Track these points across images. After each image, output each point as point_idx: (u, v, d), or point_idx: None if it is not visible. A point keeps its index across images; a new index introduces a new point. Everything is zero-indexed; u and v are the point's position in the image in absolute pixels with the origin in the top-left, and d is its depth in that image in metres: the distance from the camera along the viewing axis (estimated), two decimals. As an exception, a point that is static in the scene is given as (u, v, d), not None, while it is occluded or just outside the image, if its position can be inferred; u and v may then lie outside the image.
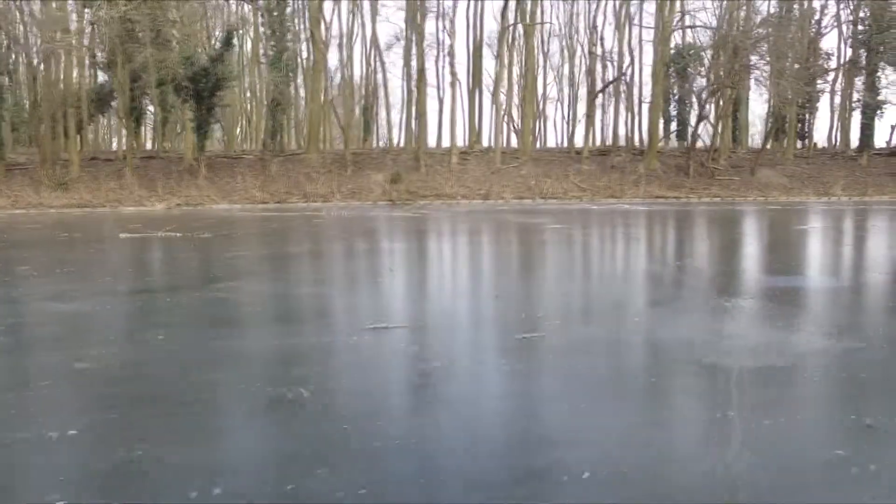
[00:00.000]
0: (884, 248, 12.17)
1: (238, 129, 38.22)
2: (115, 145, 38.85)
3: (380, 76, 37.87)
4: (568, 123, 40.48)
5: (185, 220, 18.65)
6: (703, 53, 30.83)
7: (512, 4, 31.51)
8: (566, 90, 39.31)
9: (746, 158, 35.39)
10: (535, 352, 4.71)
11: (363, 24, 38.00)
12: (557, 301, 6.85)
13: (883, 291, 7.39)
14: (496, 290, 7.62)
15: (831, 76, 39.32)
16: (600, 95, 34.74)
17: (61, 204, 25.46)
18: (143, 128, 34.60)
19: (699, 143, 34.27)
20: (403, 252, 11.73)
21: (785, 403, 3.54)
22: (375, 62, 36.61)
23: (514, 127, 38.00)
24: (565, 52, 36.75)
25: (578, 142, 36.76)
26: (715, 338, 5.00)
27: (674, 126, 36.33)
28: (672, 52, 32.61)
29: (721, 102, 32.29)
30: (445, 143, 35.49)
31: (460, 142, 34.56)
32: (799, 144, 40.06)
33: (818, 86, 38.55)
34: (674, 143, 37.56)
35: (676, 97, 33.73)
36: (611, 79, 33.69)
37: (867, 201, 28.83)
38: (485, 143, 36.14)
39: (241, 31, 28.43)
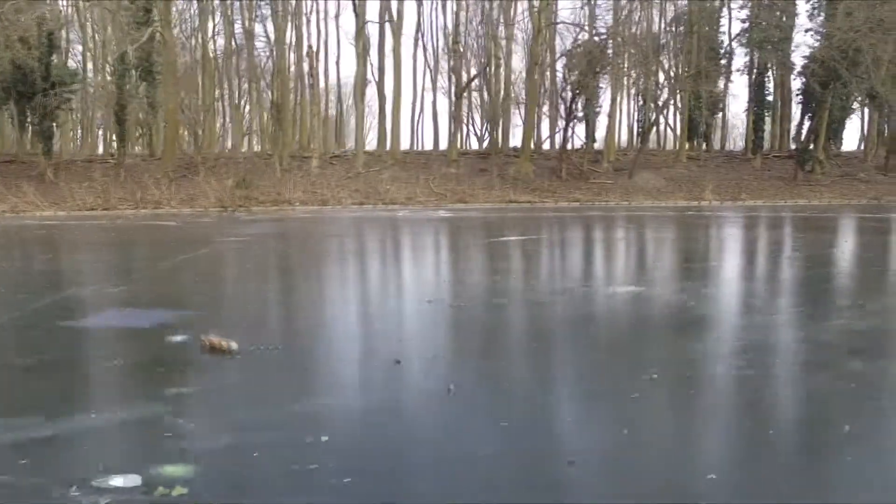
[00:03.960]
0: (573, 262, 10.93)
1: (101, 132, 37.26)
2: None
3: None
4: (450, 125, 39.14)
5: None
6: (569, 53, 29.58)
7: (375, 4, 30.39)
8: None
9: (638, 161, 34.07)
10: None
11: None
12: None
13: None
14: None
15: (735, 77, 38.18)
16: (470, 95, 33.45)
17: None
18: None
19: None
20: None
21: None
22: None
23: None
24: (439, 51, 35.45)
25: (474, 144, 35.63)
26: None
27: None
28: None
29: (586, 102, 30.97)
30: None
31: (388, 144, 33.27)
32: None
33: (718, 87, 37.41)
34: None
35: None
36: (476, 77, 32.34)
37: (730, 206, 27.45)
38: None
39: (63, 31, 27.33)
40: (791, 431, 3.53)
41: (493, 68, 32.60)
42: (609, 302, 7.10)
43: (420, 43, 36.08)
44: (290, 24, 32.17)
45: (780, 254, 11.57)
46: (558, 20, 30.41)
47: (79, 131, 37.35)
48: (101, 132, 36.82)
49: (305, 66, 32.69)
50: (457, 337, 5.86)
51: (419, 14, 39.58)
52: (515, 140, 36.00)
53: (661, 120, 37.23)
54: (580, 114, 30.65)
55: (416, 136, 39.63)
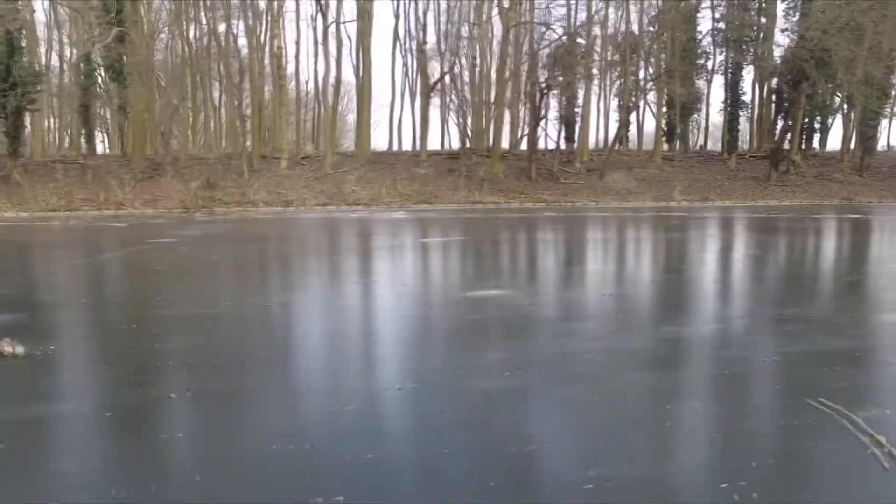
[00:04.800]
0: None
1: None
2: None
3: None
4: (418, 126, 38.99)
5: None
6: (532, 52, 29.38)
7: (351, 4, 30.29)
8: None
9: (612, 161, 33.84)
10: None
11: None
12: None
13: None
14: None
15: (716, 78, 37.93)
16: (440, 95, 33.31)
17: None
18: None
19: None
20: None
21: None
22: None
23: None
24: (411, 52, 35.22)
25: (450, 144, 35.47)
26: None
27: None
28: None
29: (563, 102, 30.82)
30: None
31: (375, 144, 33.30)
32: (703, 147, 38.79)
33: (695, 87, 37.15)
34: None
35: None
36: (443, 78, 32.17)
37: (696, 207, 27.20)
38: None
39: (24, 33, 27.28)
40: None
41: (461, 68, 32.46)
42: (441, 306, 6.96)
43: (398, 43, 36.02)
44: (262, 25, 32.11)
45: (681, 256, 11.37)
46: (529, 20, 30.13)
47: (55, 133, 37.35)
48: (67, 133, 36.78)
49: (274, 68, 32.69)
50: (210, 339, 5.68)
51: (396, 14, 39.53)
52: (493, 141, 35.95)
53: (639, 120, 36.93)
54: (551, 114, 30.48)
55: (395, 136, 39.47)
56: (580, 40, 29.03)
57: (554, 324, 6.19)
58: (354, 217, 21.91)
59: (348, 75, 39.26)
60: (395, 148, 40.05)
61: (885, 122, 44.03)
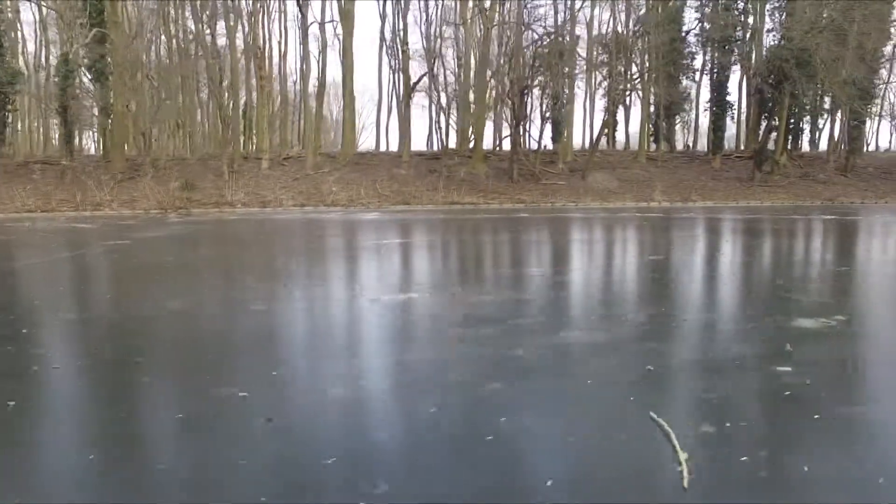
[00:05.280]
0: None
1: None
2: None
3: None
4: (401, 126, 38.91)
5: None
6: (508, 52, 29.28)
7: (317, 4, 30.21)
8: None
9: (596, 162, 33.72)
10: None
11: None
12: None
13: None
14: None
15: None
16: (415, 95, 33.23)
17: None
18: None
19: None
20: None
21: None
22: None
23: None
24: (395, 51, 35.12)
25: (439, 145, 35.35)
26: None
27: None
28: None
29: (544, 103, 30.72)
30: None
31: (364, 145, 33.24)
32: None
33: (682, 88, 37.01)
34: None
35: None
36: (423, 78, 32.11)
37: (676, 208, 27.07)
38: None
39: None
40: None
41: (444, 69, 32.40)
42: (333, 311, 6.91)
43: (384, 44, 35.95)
44: (244, 26, 32.06)
45: (614, 260, 11.29)
46: (509, 20, 30.02)
47: (39, 133, 37.43)
48: (43, 133, 36.84)
49: (262, 67, 32.65)
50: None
51: (382, 15, 39.45)
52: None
53: (626, 121, 36.73)
54: (538, 114, 30.38)
55: (383, 137, 39.42)
56: (561, 39, 28.87)
57: (436, 331, 6.11)
58: (326, 218, 21.86)
59: (338, 76, 39.23)
60: (383, 148, 40.06)
61: (874, 124, 43.93)
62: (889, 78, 40.13)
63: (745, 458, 3.23)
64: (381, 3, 37.27)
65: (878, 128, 45.08)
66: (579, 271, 9.96)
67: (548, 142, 35.72)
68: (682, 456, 3.25)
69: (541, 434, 3.64)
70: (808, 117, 37.75)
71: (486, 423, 3.74)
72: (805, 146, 42.39)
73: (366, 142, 49.87)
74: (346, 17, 31.89)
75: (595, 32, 32.11)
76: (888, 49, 35.34)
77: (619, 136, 40.43)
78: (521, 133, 31.17)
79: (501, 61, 29.41)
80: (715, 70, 33.68)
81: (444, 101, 33.13)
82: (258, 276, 9.47)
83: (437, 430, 3.66)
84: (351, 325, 6.29)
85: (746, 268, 10.28)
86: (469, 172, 31.04)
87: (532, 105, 30.32)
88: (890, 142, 44.57)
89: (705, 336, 5.73)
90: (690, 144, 41.57)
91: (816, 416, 3.78)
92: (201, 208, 26.87)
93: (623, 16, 35.90)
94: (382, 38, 35.87)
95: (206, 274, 10.10)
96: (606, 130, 35.04)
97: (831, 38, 27.24)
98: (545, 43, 28.42)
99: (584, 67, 30.10)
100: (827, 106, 35.49)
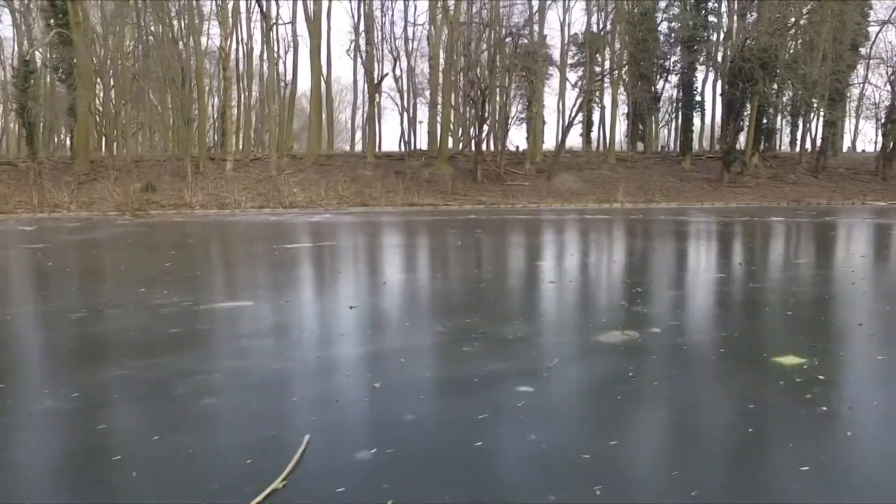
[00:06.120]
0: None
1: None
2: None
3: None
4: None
5: None
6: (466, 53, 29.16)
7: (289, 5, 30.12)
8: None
9: (564, 163, 33.57)
10: None
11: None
12: None
13: None
14: None
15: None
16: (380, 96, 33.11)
17: None
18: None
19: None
20: None
21: None
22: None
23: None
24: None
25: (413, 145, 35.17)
26: None
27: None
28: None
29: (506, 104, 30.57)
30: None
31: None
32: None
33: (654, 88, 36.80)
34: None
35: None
36: (384, 77, 32.01)
37: (638, 209, 26.87)
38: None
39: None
40: None
41: (411, 70, 32.31)
42: (147, 317, 6.79)
43: (352, 43, 35.92)
44: (209, 27, 32.06)
45: (505, 265, 11.13)
46: (475, 20, 29.89)
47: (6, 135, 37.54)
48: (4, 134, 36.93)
49: (228, 66, 32.67)
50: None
51: (356, 15, 39.36)
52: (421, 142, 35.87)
53: (601, 121, 36.53)
54: (487, 116, 30.22)
55: (356, 137, 39.36)
56: (526, 40, 28.73)
57: (227, 340, 6.00)
58: (271, 221, 21.78)
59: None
60: (360, 149, 40.06)
61: (853, 124, 43.60)
62: (867, 78, 39.86)
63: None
64: (356, 3, 37.14)
65: (855, 128, 44.80)
66: (438, 278, 9.82)
67: (522, 142, 35.72)
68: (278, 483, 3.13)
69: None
70: (789, 118, 37.53)
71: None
72: (786, 147, 42.24)
73: (346, 143, 49.87)
74: (315, 18, 31.88)
75: (571, 32, 31.88)
76: (864, 50, 35.13)
77: (606, 136, 40.27)
78: (485, 134, 31.02)
79: (463, 62, 29.28)
80: (683, 70, 33.47)
81: (407, 102, 32.99)
82: (126, 281, 9.38)
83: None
84: (143, 332, 6.18)
85: (624, 272, 10.08)
86: (434, 174, 30.98)
87: (495, 106, 30.12)
88: (875, 142, 44.14)
89: (479, 351, 5.54)
90: (669, 145, 41.42)
91: (479, 443, 3.60)
92: (160, 210, 26.85)
93: (593, 16, 35.79)
94: (357, 39, 35.87)
95: (74, 279, 10.02)
96: (583, 132, 34.83)
97: (791, 40, 27.06)
98: (507, 42, 28.25)
99: (550, 69, 29.86)
100: (785, 106, 35.26)
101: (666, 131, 43.90)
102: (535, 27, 32.49)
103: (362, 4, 31.19)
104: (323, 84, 33.83)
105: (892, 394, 4.53)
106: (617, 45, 34.24)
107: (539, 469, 3.31)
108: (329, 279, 10.05)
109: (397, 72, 31.38)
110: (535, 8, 29.55)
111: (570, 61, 37.73)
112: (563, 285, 8.83)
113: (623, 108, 37.75)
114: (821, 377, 4.66)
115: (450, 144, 33.91)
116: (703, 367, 5.08)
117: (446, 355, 5.41)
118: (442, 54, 32.38)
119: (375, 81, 30.88)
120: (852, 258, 11.34)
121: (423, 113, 37.52)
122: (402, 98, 32.87)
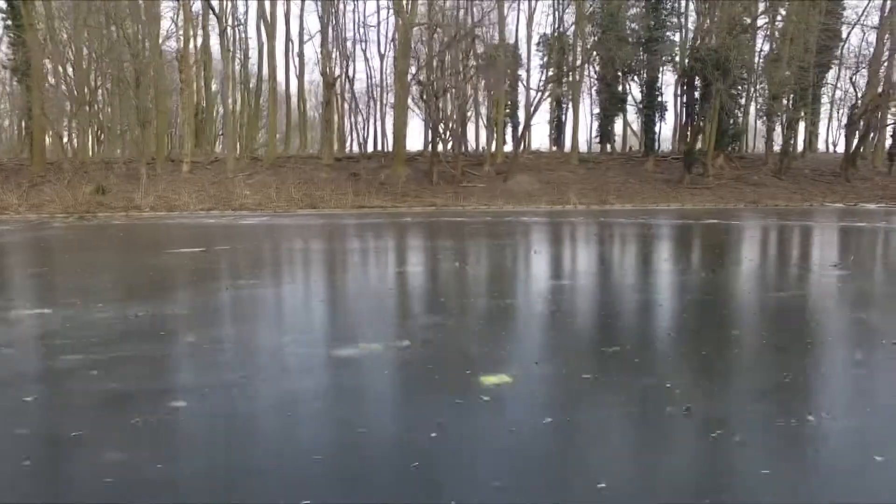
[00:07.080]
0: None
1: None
2: None
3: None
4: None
5: None
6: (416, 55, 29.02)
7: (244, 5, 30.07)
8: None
9: (524, 164, 33.35)
10: None
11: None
12: None
13: None
14: None
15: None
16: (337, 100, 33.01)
17: None
18: None
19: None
20: None
21: None
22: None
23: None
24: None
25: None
26: None
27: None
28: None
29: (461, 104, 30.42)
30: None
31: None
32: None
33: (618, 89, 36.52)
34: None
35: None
36: (338, 79, 31.89)
37: (581, 211, 26.66)
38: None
39: None
40: None
41: (368, 70, 32.12)
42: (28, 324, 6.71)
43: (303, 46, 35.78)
44: (166, 28, 32.03)
45: (374, 270, 10.95)
46: (428, 21, 29.73)
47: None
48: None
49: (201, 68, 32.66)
50: None
51: (324, 17, 39.27)
52: (411, 143, 35.76)
53: (572, 121, 36.16)
54: (450, 117, 30.07)
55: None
56: (475, 41, 28.56)
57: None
58: (206, 223, 21.70)
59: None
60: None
61: (826, 126, 43.17)
62: (837, 82, 39.51)
63: None
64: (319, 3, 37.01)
65: (827, 129, 44.44)
66: (294, 283, 9.69)
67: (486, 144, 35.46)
68: None
69: None
70: (765, 119, 37.13)
71: None
72: (760, 147, 41.79)
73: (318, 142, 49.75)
74: (271, 20, 31.82)
75: (539, 32, 31.68)
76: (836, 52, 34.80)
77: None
78: (442, 135, 30.88)
79: (408, 62, 29.13)
80: (644, 71, 33.20)
81: (364, 103, 32.89)
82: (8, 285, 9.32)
83: None
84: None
85: (461, 280, 9.85)
86: (389, 175, 30.83)
87: (453, 107, 29.97)
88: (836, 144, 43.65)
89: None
90: (637, 146, 41.08)
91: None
92: (109, 212, 26.82)
93: (569, 15, 35.55)
94: (325, 40, 35.74)
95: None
96: (551, 133, 34.60)
97: (747, 40, 26.78)
98: (460, 44, 28.09)
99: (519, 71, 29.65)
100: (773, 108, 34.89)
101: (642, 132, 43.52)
102: (495, 30, 32.31)
103: (317, 5, 31.07)
104: (296, 81, 33.83)
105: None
106: (579, 47, 33.95)
107: None
108: (181, 286, 9.91)
109: (351, 72, 31.16)
110: (490, 7, 29.24)
111: (538, 62, 37.60)
112: (382, 292, 8.67)
113: (593, 110, 37.48)
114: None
115: (420, 147, 33.91)
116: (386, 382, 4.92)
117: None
118: (392, 55, 32.29)
119: (329, 82, 30.76)
120: (722, 266, 11.11)
121: (389, 115, 37.38)
122: (354, 100, 32.73)
